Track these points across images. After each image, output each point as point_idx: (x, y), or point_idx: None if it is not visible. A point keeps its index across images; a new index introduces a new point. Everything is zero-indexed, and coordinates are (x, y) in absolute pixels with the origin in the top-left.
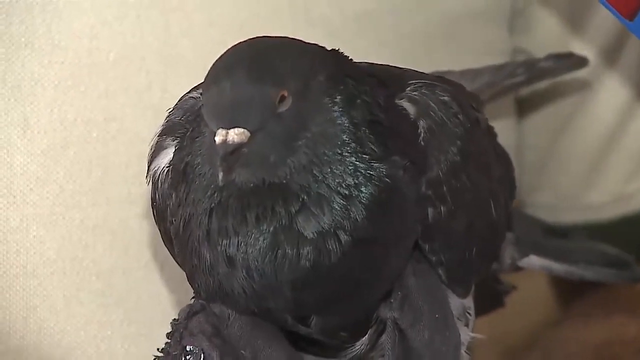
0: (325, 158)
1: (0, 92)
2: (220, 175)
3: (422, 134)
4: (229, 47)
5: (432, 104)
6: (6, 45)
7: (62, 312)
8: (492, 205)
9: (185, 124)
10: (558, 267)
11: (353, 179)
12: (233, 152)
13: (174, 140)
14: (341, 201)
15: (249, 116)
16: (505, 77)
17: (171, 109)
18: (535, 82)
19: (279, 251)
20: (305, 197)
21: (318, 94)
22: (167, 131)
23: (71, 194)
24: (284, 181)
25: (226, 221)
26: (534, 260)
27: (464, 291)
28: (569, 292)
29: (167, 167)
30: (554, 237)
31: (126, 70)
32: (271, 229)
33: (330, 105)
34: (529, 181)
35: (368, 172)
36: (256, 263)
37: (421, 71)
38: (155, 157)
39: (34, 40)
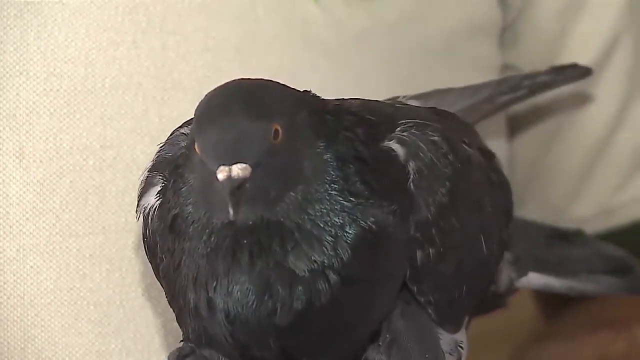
0: (317, 195)
1: None
2: (231, 211)
3: (412, 176)
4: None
5: (422, 145)
6: (0, 73)
7: (60, 342)
8: (484, 242)
9: (168, 172)
10: (558, 283)
11: (339, 219)
12: (239, 187)
13: (162, 179)
14: (330, 239)
15: (249, 151)
16: (506, 92)
17: (162, 144)
18: (536, 95)
19: (270, 293)
20: (298, 235)
21: (304, 129)
22: (157, 167)
23: (68, 223)
24: (281, 219)
25: (217, 263)
26: (533, 279)
27: (454, 327)
28: (553, 305)
29: (158, 204)
30: (557, 243)
31: (122, 96)
32: (263, 268)
33: (315, 139)
34: (518, 194)
35: (353, 213)
36: (237, 309)
37: (419, 94)
38: (145, 193)
39: (29, 68)
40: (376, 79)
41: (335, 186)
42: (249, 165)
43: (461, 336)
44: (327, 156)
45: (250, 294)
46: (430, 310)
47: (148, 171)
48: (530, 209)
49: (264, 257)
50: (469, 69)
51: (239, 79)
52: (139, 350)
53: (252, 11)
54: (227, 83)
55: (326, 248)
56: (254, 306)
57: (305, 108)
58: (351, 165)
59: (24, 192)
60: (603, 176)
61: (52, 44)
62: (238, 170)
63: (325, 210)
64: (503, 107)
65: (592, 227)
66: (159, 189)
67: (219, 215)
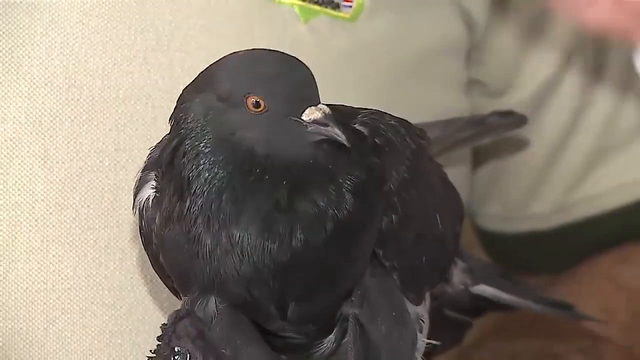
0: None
1: (23, 127)
2: (343, 137)
3: (378, 150)
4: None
5: (382, 126)
6: (28, 84)
7: (78, 323)
8: (439, 219)
9: (168, 153)
10: (507, 297)
11: (342, 169)
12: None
13: (155, 175)
14: (332, 187)
15: (317, 94)
16: (455, 131)
17: (152, 148)
18: (483, 137)
19: (272, 232)
20: (323, 178)
21: None
22: (149, 167)
23: (86, 217)
24: (317, 160)
25: (245, 203)
26: (485, 289)
27: (416, 298)
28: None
29: (152, 195)
30: (507, 279)
31: (134, 105)
32: (272, 209)
33: None
34: (481, 194)
35: (350, 165)
36: (248, 243)
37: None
38: (140, 189)
39: (53, 80)
40: (357, 92)
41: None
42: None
43: (422, 310)
44: None
45: (258, 230)
46: (395, 277)
47: (141, 172)
48: (492, 206)
49: (289, 197)
50: (439, 83)
51: (250, 49)
52: (146, 331)
53: (249, 32)
54: (246, 51)
55: (329, 193)
56: (260, 242)
57: None
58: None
59: (47, 190)
60: (558, 177)
61: (74, 59)
62: (326, 107)
63: (337, 159)
64: (455, 146)
65: (547, 223)
66: (154, 183)
67: (292, 155)
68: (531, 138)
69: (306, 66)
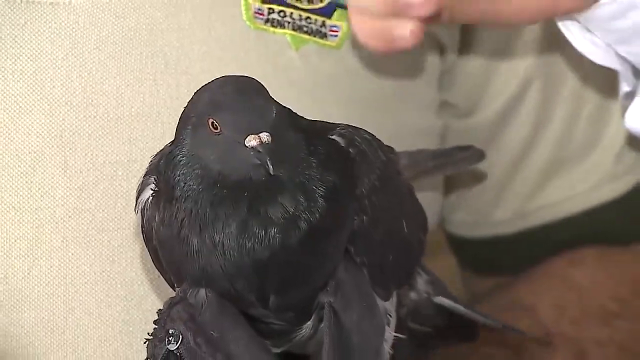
0: (302, 160)
1: (45, 141)
2: (271, 167)
3: (352, 159)
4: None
5: (357, 138)
6: (50, 103)
7: (94, 313)
8: (404, 224)
9: (163, 163)
10: (462, 309)
11: (315, 173)
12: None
13: (154, 179)
14: (303, 195)
15: (266, 123)
16: (420, 161)
17: (154, 155)
18: (446, 169)
19: (248, 234)
20: (288, 188)
21: (283, 115)
22: (150, 172)
23: (101, 220)
24: (279, 175)
25: (220, 209)
26: (443, 300)
27: (384, 293)
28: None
29: (151, 198)
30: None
31: (145, 122)
32: (249, 215)
33: (287, 122)
34: (450, 202)
35: (322, 173)
36: (228, 244)
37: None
38: (142, 192)
39: (72, 99)
40: (342, 111)
41: (309, 153)
42: (270, 133)
43: (390, 306)
44: (298, 135)
45: (236, 233)
46: (365, 272)
47: (143, 176)
48: (460, 213)
49: (257, 206)
50: (415, 105)
51: (230, 75)
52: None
53: (246, 58)
54: (226, 77)
55: (301, 199)
56: (238, 243)
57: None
58: (314, 142)
59: (67, 196)
60: (519, 187)
61: (91, 80)
62: (267, 136)
63: (307, 173)
64: (422, 175)
65: (509, 228)
66: (153, 186)
67: (240, 174)
68: (496, 151)
69: (263, 97)
